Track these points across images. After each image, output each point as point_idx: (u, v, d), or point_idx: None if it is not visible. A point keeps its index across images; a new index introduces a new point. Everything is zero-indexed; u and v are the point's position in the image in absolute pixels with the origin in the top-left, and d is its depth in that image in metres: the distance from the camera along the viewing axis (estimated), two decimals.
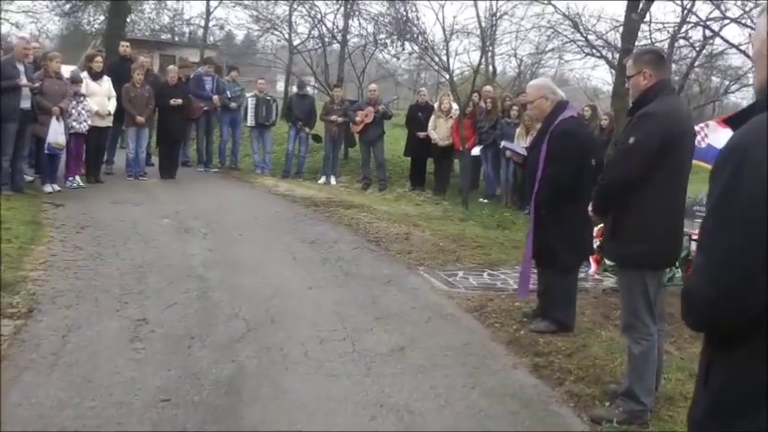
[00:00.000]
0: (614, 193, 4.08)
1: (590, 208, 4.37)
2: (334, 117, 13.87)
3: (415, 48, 15.33)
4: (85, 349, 4.68)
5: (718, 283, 1.63)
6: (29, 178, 10.94)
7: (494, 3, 17.40)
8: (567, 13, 13.59)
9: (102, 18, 29.81)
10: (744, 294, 1.60)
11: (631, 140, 3.95)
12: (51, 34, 45.34)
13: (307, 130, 14.24)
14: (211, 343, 4.95)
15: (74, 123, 10.68)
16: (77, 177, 11.12)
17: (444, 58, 13.95)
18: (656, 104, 3.94)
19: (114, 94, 11.67)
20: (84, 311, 5.42)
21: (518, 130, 11.78)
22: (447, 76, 13.60)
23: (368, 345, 5.11)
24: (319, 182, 13.98)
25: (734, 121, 1.99)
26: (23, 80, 9.71)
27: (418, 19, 14.68)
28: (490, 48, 18.34)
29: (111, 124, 11.81)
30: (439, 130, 13.04)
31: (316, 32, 19.01)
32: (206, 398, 4.13)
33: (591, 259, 6.87)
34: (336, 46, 18.74)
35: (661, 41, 11.97)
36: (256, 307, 5.79)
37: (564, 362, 4.94)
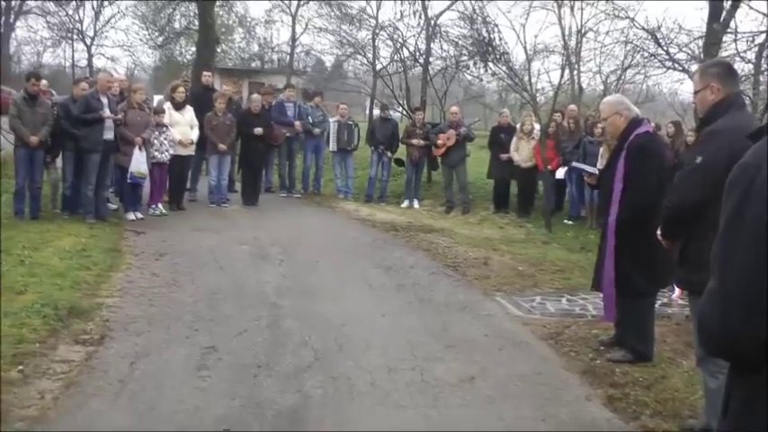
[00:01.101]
0: (681, 217, 3.87)
1: (658, 232, 4.16)
2: (415, 141, 13.87)
3: (500, 69, 15.21)
4: (152, 377, 4.76)
5: (731, 307, 1.51)
6: (113, 207, 11.38)
7: (579, 20, 17.10)
8: (645, 26, 13.18)
9: (193, 49, 30.88)
10: (756, 318, 1.48)
11: (698, 160, 3.74)
12: (145, 66, 47.43)
13: (389, 154, 14.30)
14: (278, 372, 4.95)
15: (156, 153, 11.05)
16: (160, 205, 11.45)
17: (526, 78, 13.78)
18: (725, 121, 3.71)
19: (197, 122, 12.00)
20: (154, 338, 5.53)
21: (601, 149, 11.49)
22: (528, 97, 13.39)
23: (437, 374, 5.01)
24: (402, 206, 13.98)
25: (755, 137, 1.85)
26: (106, 112, 10.23)
27: (500, 39, 14.58)
28: (576, 65, 18.00)
29: (193, 152, 12.16)
30: (521, 152, 12.87)
31: (398, 56, 19.11)
32: (268, 428, 4.11)
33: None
34: (418, 69, 18.79)
35: (745, 52, 11.46)
36: (326, 335, 5.78)
37: (640, 394, 4.70)
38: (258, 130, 12.66)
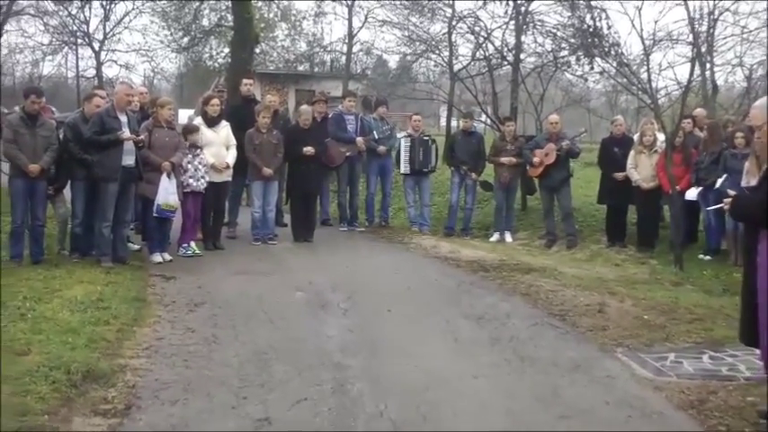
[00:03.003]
0: None
1: None
2: (506, 159, 13.84)
3: (609, 64, 15.10)
4: None
5: None
6: (134, 247, 11.64)
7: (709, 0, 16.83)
8: None
9: (226, 51, 31.26)
10: None
11: None
12: (167, 74, 48.34)
13: (473, 175, 14.30)
14: None
15: (190, 180, 11.24)
16: (193, 244, 11.63)
17: (645, 75, 13.62)
18: None
19: (234, 142, 12.14)
20: (193, 408, 5.58)
21: (746, 164, 11.21)
22: (648, 100, 13.22)
23: None
24: (491, 240, 13.97)
25: None
26: (126, 133, 10.29)
27: (609, 28, 14.49)
28: (709, 57, 17.70)
29: (230, 178, 12.28)
30: (641, 169, 12.70)
31: (481, 53, 19.13)
32: None
33: None
34: (507, 68, 18.77)
35: None
36: (406, 403, 5.74)
37: None
38: (310, 150, 12.78)
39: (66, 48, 43.05)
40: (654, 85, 13.97)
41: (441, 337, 7.61)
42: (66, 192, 11.12)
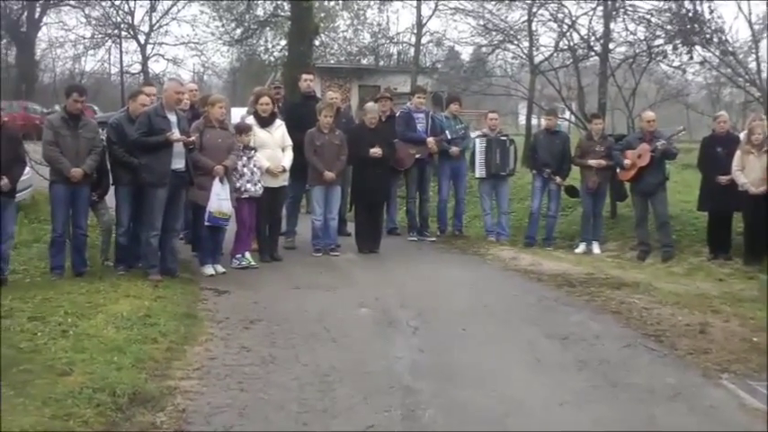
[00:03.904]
0: None
1: None
2: (594, 161, 13.74)
3: (711, 54, 14.92)
4: None
5: None
6: (184, 258, 11.70)
7: None
8: None
9: (282, 43, 31.46)
10: None
11: None
12: (219, 69, 48.87)
13: (557, 179, 14.22)
14: None
15: (247, 185, 11.33)
16: (247, 255, 11.72)
17: (753, 65, 13.44)
18: None
19: (290, 142, 12.18)
20: None
21: None
22: (757, 93, 13.03)
23: None
24: (577, 251, 13.89)
25: None
26: (176, 134, 10.36)
27: (711, 12, 14.32)
28: None
29: (286, 183, 12.34)
30: (748, 172, 12.49)
31: (565, 43, 19.03)
32: None
33: None
34: (594, 60, 18.64)
35: None
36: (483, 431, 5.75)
37: None
38: (377, 152, 12.82)
39: (110, 41, 43.79)
40: (763, 75, 13.78)
41: (521, 360, 7.58)
42: (110, 198, 11.27)
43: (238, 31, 35.01)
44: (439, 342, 8.09)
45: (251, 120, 12.13)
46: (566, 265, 12.32)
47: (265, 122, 12.04)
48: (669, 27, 15.86)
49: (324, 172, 12.39)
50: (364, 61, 37.22)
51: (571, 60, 18.92)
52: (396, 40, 36.85)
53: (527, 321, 9.00)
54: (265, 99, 12.20)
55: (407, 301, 9.70)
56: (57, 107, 10.45)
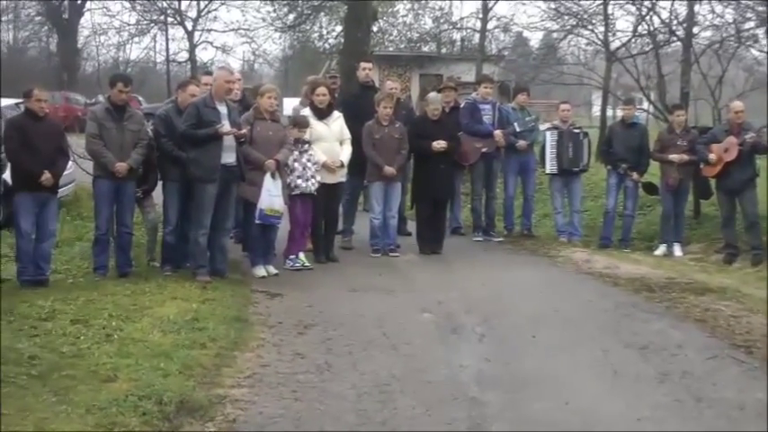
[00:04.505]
0: None
1: None
2: (675, 155, 13.59)
3: None
4: None
5: None
6: (234, 258, 11.75)
7: None
8: None
9: (338, 29, 31.54)
10: None
11: None
12: (270, 57, 49.13)
13: (635, 176, 14.09)
14: None
15: (299, 181, 11.35)
16: (301, 255, 11.75)
17: None
18: None
19: (349, 136, 12.21)
20: None
21: None
22: None
23: None
24: (656, 253, 13.78)
25: None
26: (226, 126, 10.35)
27: None
28: None
29: (344, 179, 12.38)
30: None
31: (644, 28, 18.86)
32: None
33: None
34: (676, 45, 18.45)
35: None
36: None
37: None
38: (441, 145, 12.80)
39: (156, 28, 44.17)
40: None
41: (596, 371, 7.53)
42: (157, 194, 11.37)
43: (291, 16, 34.98)
44: (507, 350, 8.07)
45: (306, 112, 12.16)
46: (644, 268, 12.21)
47: (322, 114, 12.05)
48: (761, 9, 15.64)
49: (383, 167, 12.42)
50: (425, 48, 37.23)
51: (651, 46, 18.75)
52: (459, 25, 36.70)
53: (602, 329, 8.92)
54: (322, 89, 12.20)
55: (472, 306, 9.67)
56: (100, 98, 10.54)
